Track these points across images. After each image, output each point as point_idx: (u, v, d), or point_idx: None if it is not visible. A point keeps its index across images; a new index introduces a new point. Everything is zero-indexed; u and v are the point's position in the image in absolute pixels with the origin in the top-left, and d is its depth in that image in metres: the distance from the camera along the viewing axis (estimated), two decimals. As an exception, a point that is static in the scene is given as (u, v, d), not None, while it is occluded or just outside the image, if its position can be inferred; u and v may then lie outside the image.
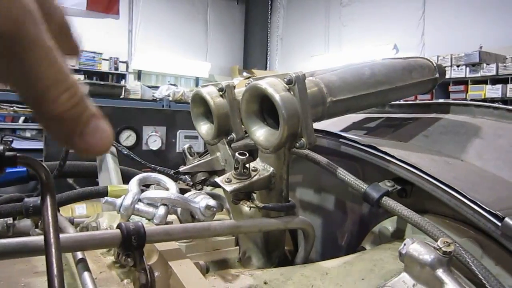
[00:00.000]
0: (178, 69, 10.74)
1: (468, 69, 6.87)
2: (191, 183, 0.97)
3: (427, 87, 1.06)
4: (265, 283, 0.72)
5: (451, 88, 7.15)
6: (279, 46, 12.06)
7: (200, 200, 0.81)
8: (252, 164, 0.82)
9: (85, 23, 9.29)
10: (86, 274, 0.56)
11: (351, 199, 1.02)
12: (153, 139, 2.96)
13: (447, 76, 7.17)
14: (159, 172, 0.95)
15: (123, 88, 6.21)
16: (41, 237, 0.50)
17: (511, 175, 0.83)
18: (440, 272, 0.61)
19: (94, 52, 9.12)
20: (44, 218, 0.48)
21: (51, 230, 0.48)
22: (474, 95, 6.79)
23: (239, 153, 0.77)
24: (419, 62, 1.05)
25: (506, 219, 0.61)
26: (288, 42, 11.85)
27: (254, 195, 0.83)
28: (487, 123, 1.04)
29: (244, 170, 0.77)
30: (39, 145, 5.00)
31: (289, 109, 0.72)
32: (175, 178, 1.01)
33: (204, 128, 1.01)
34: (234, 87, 0.95)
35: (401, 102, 1.27)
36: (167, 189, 0.88)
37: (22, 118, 6.52)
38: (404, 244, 0.65)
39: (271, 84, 0.75)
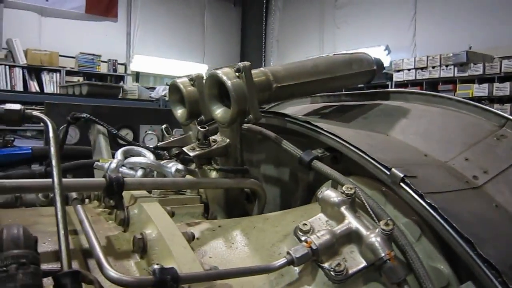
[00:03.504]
0: (176, 70, 10.92)
1: (456, 68, 7.08)
2: (168, 156, 1.18)
3: (367, 77, 1.27)
4: (219, 226, 0.92)
5: (440, 87, 7.36)
6: (275, 47, 12.28)
7: (172, 165, 1.02)
8: (213, 137, 1.03)
9: (84, 26, 9.57)
10: (79, 207, 0.76)
11: (301, 170, 1.23)
12: (150, 137, 3.14)
13: (437, 76, 7.39)
14: (142, 147, 1.16)
15: (121, 88, 6.42)
16: (49, 179, 0.71)
17: (422, 145, 1.04)
18: (343, 209, 0.81)
19: (93, 55, 9.34)
20: (51, 161, 0.68)
21: (55, 172, 0.69)
22: (462, 94, 6.98)
23: (200, 127, 0.98)
24: (359, 56, 1.26)
25: (393, 169, 0.82)
26: (284, 44, 12.07)
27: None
28: (415, 107, 1.24)
29: (205, 140, 0.98)
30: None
31: (237, 91, 0.93)
32: (155, 153, 1.21)
33: (179, 112, 1.21)
34: (203, 77, 1.16)
35: (354, 92, 1.47)
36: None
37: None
38: (320, 191, 0.86)
39: (225, 73, 0.95)
